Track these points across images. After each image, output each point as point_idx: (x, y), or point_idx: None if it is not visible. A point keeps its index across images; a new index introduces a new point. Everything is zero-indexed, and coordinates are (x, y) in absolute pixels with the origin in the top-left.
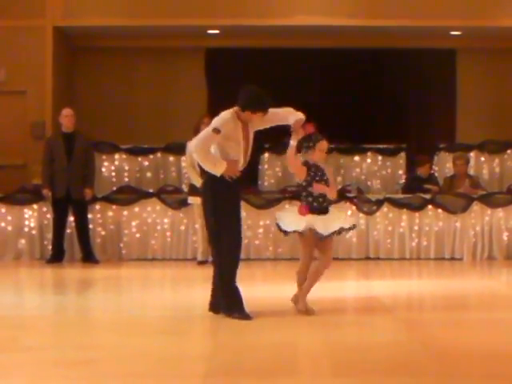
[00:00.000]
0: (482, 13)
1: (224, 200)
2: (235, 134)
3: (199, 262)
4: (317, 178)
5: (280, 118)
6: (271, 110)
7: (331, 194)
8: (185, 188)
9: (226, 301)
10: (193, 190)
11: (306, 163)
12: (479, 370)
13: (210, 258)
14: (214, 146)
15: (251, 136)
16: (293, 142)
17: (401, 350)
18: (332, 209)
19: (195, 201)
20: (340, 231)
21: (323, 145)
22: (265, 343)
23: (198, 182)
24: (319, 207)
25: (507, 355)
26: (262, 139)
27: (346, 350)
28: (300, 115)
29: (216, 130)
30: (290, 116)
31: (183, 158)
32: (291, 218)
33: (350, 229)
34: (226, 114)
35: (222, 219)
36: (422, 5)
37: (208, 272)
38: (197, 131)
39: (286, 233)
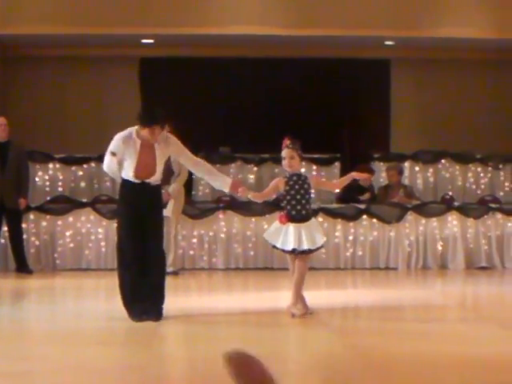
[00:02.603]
0: (416, 23)
1: (120, 214)
2: (129, 151)
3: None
4: (296, 187)
5: (207, 176)
6: (187, 155)
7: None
8: None
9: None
10: None
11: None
12: (412, 378)
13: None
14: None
15: (158, 154)
16: (251, 197)
17: (335, 360)
18: (313, 220)
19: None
20: (307, 251)
21: (284, 152)
22: (197, 355)
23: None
24: (298, 216)
25: (440, 364)
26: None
27: (280, 361)
28: (227, 180)
29: (112, 153)
30: (222, 185)
31: None
32: (275, 233)
33: (317, 249)
34: (118, 134)
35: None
36: (356, 15)
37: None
38: None
39: (283, 251)
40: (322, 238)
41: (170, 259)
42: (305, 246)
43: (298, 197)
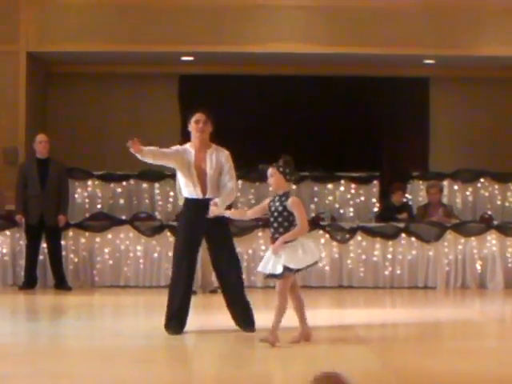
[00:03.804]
0: (456, 42)
1: (179, 232)
2: (185, 163)
3: (210, 290)
4: (272, 208)
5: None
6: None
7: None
8: (158, 215)
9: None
10: None
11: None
12: None
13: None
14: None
15: (209, 163)
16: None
17: (374, 380)
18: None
19: None
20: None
21: (268, 172)
22: (240, 374)
23: None
24: (272, 239)
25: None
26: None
27: None
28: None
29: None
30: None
31: (157, 185)
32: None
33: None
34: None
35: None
36: (396, 33)
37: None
38: None
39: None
40: (285, 264)
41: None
42: (266, 270)
43: (272, 219)
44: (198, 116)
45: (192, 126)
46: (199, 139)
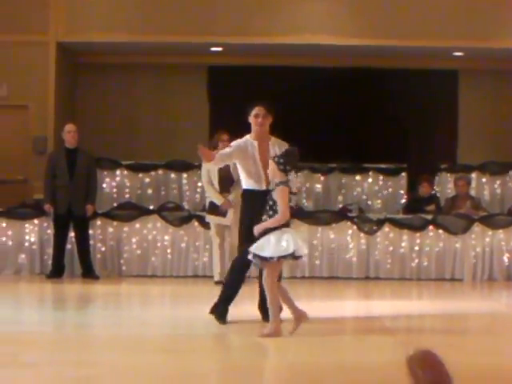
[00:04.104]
0: (485, 34)
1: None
2: (249, 155)
3: (216, 281)
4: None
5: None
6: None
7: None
8: (186, 205)
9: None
10: (212, 209)
11: None
12: None
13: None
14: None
15: (272, 154)
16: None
17: (400, 371)
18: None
19: (213, 219)
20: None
21: None
22: (266, 363)
23: (218, 199)
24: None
25: (507, 378)
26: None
27: (345, 371)
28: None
29: None
30: None
31: (184, 175)
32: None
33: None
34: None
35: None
36: (425, 25)
37: (209, 290)
38: (215, 149)
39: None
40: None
41: (218, 269)
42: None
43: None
44: (257, 110)
45: (252, 120)
46: (258, 132)
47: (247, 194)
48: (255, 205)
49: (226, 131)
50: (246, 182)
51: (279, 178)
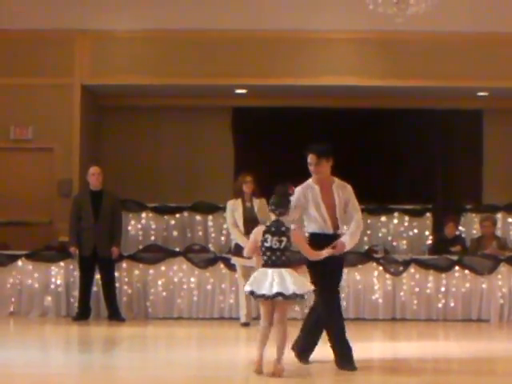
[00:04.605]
0: (509, 73)
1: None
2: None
3: (243, 323)
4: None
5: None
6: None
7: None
8: (211, 247)
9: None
10: (238, 250)
11: None
12: None
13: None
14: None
15: (336, 197)
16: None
17: None
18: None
19: (239, 261)
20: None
21: None
22: None
23: (243, 241)
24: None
25: None
26: None
27: None
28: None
29: None
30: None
31: (210, 217)
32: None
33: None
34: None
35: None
36: (449, 66)
37: (235, 332)
38: (239, 191)
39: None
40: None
41: (244, 311)
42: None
43: None
44: (309, 159)
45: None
46: (317, 178)
47: (313, 237)
48: (322, 249)
49: (249, 173)
50: (310, 226)
51: (270, 218)
